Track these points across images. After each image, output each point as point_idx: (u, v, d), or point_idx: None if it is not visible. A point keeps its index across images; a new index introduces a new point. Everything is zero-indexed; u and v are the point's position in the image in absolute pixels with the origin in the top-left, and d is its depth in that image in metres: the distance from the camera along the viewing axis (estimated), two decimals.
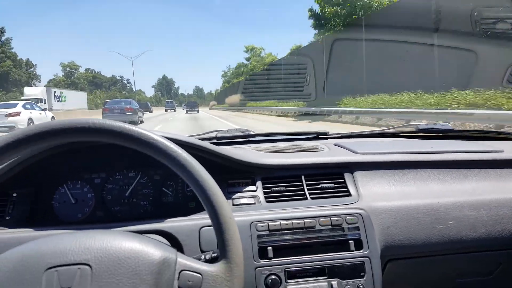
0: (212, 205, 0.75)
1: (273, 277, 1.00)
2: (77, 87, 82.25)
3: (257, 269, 1.00)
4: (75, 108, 48.01)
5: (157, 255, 0.70)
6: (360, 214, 1.10)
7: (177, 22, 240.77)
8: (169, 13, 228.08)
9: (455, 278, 1.24)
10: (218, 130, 1.68)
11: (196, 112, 43.36)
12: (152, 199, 1.24)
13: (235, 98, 44.20)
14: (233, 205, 1.14)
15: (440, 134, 1.74)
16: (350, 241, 1.06)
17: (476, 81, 11.12)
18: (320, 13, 20.73)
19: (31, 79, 67.65)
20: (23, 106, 17.62)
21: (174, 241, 0.99)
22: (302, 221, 1.06)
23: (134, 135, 0.75)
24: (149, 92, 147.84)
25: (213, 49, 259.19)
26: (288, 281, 1.01)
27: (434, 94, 12.63)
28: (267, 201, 1.16)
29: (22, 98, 37.40)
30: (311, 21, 21.52)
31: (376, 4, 19.12)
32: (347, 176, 1.24)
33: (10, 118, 16.23)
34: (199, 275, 0.71)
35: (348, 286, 1.02)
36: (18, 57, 66.17)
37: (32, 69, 71.88)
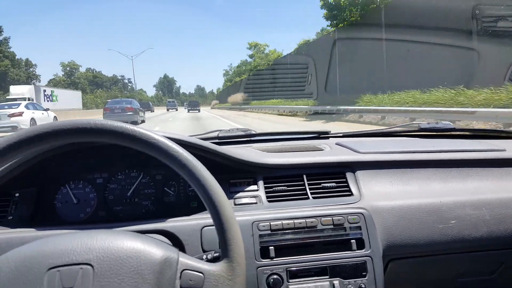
0: (214, 204, 0.75)
1: (275, 276, 1.00)
2: (78, 86, 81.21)
3: (259, 268, 1.00)
4: (68, 108, 44.09)
5: (159, 255, 0.70)
6: (362, 214, 1.10)
7: (178, 21, 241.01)
8: (170, 11, 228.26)
9: (457, 278, 1.24)
10: (220, 130, 1.68)
11: (197, 111, 44.58)
12: (154, 199, 1.24)
13: (238, 96, 43.15)
14: (235, 204, 1.14)
15: (442, 133, 1.74)
16: (352, 241, 1.06)
17: (477, 80, 11.08)
18: (334, 2, 19.20)
19: (31, 79, 66.52)
20: (26, 106, 17.69)
21: (176, 241, 0.99)
22: (304, 220, 1.06)
23: (135, 135, 0.75)
24: (151, 92, 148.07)
25: (215, 48, 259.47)
26: (290, 280, 1.01)
27: (481, 90, 10.67)
28: (268, 201, 1.16)
29: (7, 97, 35.27)
30: (323, 11, 20.23)
31: None
32: (349, 175, 1.24)
33: (12, 118, 16.28)
34: (201, 275, 0.71)
35: (350, 286, 1.02)
36: (17, 57, 65.27)
37: (31, 69, 71.08)
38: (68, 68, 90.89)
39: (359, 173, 1.25)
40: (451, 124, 1.77)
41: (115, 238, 0.71)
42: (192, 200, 1.24)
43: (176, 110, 58.41)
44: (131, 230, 0.88)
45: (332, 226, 1.07)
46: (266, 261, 1.01)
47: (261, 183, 1.20)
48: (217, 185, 0.77)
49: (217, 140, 1.58)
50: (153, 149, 0.76)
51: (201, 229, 1.01)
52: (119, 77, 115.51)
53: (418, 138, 1.75)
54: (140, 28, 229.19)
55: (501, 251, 1.20)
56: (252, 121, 20.37)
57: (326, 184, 1.21)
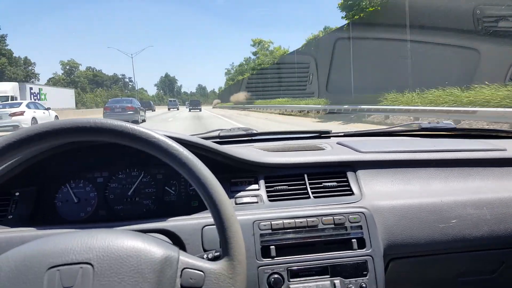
0: (214, 203, 0.75)
1: (276, 276, 1.00)
2: (77, 85, 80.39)
3: (259, 268, 1.00)
4: (59, 108, 38.70)
5: (159, 253, 0.70)
6: (363, 213, 1.10)
7: (179, 19, 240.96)
8: (171, 10, 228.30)
9: (458, 277, 1.24)
10: (221, 129, 1.68)
11: (199, 110, 45.46)
12: (154, 198, 1.24)
13: (241, 95, 41.84)
14: (236, 204, 1.14)
15: (443, 133, 1.74)
16: (353, 240, 1.06)
17: (478, 79, 11.05)
18: None
19: (29, 77, 65.54)
20: (27, 106, 17.72)
21: (176, 240, 0.99)
22: (305, 220, 1.06)
23: (135, 134, 0.75)
24: (152, 91, 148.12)
25: (216, 46, 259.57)
26: (291, 280, 1.01)
27: None
28: (270, 200, 1.16)
29: None
30: (327, 9, 19.05)
31: None
32: (350, 174, 1.24)
33: (14, 117, 16.31)
34: (202, 273, 0.71)
35: (351, 285, 1.02)
36: (16, 55, 64.47)
37: (30, 67, 70.46)
38: (67, 67, 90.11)
39: (360, 173, 1.25)
40: (452, 123, 1.77)
41: (115, 237, 0.71)
42: (193, 200, 1.24)
43: (178, 109, 58.40)
44: (132, 229, 0.88)
45: (333, 226, 1.07)
46: (267, 261, 1.01)
47: (262, 182, 1.20)
48: (218, 183, 0.77)
49: (218, 140, 1.58)
50: (153, 148, 0.76)
51: (202, 229, 1.01)
52: (120, 76, 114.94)
53: (419, 138, 1.75)
54: (141, 27, 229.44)
55: (502, 251, 1.20)
56: (257, 121, 19.29)
57: (327, 184, 1.21)
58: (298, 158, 1.25)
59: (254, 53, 52.98)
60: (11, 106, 17.51)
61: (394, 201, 1.16)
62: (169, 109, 59.18)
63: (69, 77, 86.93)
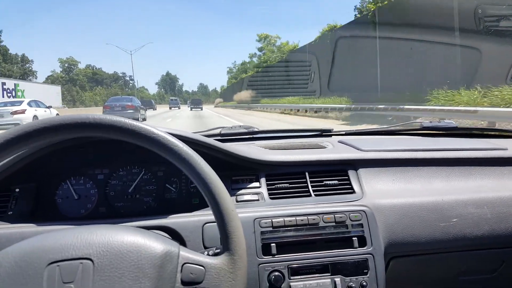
0: (214, 198, 0.75)
1: (276, 273, 1.00)
2: (76, 83, 79.57)
3: (260, 265, 1.00)
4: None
5: (159, 249, 0.70)
6: (364, 211, 1.10)
7: (181, 18, 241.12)
8: (172, 8, 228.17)
9: (458, 276, 1.24)
10: (222, 127, 1.68)
11: (200, 109, 46.19)
12: (155, 195, 1.24)
13: (245, 94, 39.93)
14: (237, 201, 1.14)
15: (444, 132, 1.74)
16: (353, 238, 1.06)
17: (479, 79, 11.02)
18: None
19: (27, 75, 64.89)
20: (28, 104, 17.77)
21: (177, 237, 0.99)
22: (306, 217, 1.06)
23: (135, 130, 0.75)
24: (153, 89, 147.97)
25: (218, 45, 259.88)
26: (291, 277, 1.01)
27: None
28: (271, 198, 1.16)
29: None
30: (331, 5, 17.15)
31: None
32: (351, 173, 1.24)
33: (15, 116, 16.36)
34: (202, 268, 0.71)
35: (352, 283, 1.02)
36: (13, 53, 63.68)
37: (28, 65, 69.55)
38: (66, 64, 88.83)
39: (361, 171, 1.25)
40: (454, 122, 1.77)
41: (115, 232, 0.71)
42: (193, 197, 1.24)
43: (179, 108, 58.38)
44: (132, 226, 0.88)
45: (334, 224, 1.07)
46: (267, 258, 1.01)
47: (263, 180, 1.20)
48: (218, 179, 0.77)
49: (219, 137, 1.58)
50: (153, 144, 0.76)
51: (203, 226, 1.01)
52: (120, 74, 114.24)
53: (421, 137, 1.74)
54: (142, 25, 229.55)
55: (502, 250, 1.20)
56: (270, 124, 17.10)
57: (328, 182, 1.21)
58: (299, 156, 1.25)
59: (260, 49, 49.81)
60: (13, 104, 17.57)
61: (395, 199, 1.15)
62: (170, 108, 59.21)
63: (67, 75, 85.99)
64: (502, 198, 1.18)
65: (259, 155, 1.21)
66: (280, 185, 1.19)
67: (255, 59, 52.78)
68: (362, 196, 1.17)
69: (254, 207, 1.11)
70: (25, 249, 0.68)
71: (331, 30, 24.08)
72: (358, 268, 1.04)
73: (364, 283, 1.02)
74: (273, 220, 1.05)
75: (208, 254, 0.79)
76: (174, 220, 1.02)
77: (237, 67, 69.19)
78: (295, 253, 1.03)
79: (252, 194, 1.16)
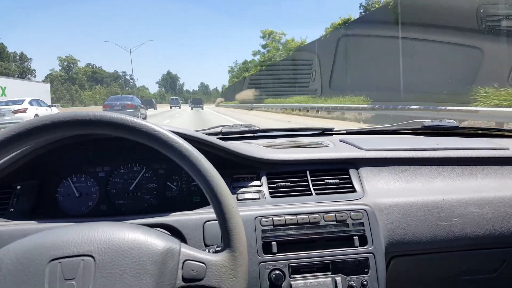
0: (215, 194, 0.75)
1: (277, 272, 1.00)
2: (75, 82, 78.93)
3: (261, 264, 1.00)
4: None
5: (160, 246, 0.70)
6: (365, 210, 1.10)
7: (182, 17, 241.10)
8: (173, 6, 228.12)
9: (459, 275, 1.24)
10: (223, 125, 1.68)
11: (201, 108, 46.65)
12: (156, 193, 1.24)
13: (248, 93, 37.65)
14: (238, 200, 1.15)
15: (446, 131, 1.74)
16: (354, 237, 1.06)
17: (481, 79, 10.97)
18: None
19: (25, 73, 64.58)
20: (30, 103, 17.81)
21: (178, 235, 0.99)
22: (307, 216, 1.06)
23: (135, 126, 0.75)
24: (153, 89, 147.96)
25: (219, 44, 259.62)
26: (292, 276, 1.01)
27: None
28: (271, 196, 1.16)
29: None
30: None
31: None
32: (352, 172, 1.24)
33: (17, 115, 16.39)
34: (203, 265, 0.71)
35: (352, 282, 1.02)
36: (11, 51, 63.60)
37: (26, 63, 69.22)
38: (65, 63, 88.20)
39: (362, 170, 1.25)
40: (455, 122, 1.76)
41: (117, 229, 0.71)
42: (194, 195, 1.24)
43: (180, 107, 58.39)
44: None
45: (334, 222, 1.07)
46: (268, 257, 1.01)
47: (264, 178, 1.20)
48: (219, 175, 0.77)
49: (220, 136, 1.58)
50: (154, 141, 0.76)
51: (204, 224, 1.01)
52: (121, 73, 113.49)
53: (422, 136, 1.74)
54: (143, 24, 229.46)
55: (504, 250, 1.20)
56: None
57: (329, 181, 1.20)
58: (300, 154, 1.25)
59: (264, 46, 47.17)
60: (14, 103, 17.59)
61: (396, 198, 1.15)
62: (171, 107, 59.26)
63: (67, 73, 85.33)
64: (503, 197, 1.18)
65: (260, 154, 1.21)
66: (281, 183, 1.19)
67: (257, 58, 51.32)
68: (363, 195, 1.17)
69: (255, 206, 1.11)
70: (26, 246, 0.68)
71: (344, 24, 22.10)
72: (358, 267, 1.04)
73: (365, 282, 1.02)
74: (274, 218, 1.05)
75: (209, 252, 0.79)
76: (175, 218, 1.02)
77: (238, 66, 67.83)
78: (295, 251, 1.03)
79: (253, 192, 1.16)
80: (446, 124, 1.73)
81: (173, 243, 0.72)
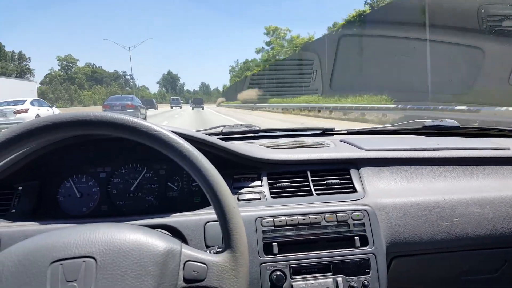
0: (216, 195, 0.75)
1: (278, 273, 1.00)
2: (74, 82, 78.10)
3: (262, 264, 1.00)
4: None
5: (161, 247, 0.71)
6: (366, 211, 1.10)
7: (182, 16, 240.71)
8: (174, 6, 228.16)
9: (460, 276, 1.24)
10: (224, 126, 1.68)
11: (201, 108, 46.82)
12: (157, 194, 1.24)
13: (250, 93, 35.99)
14: (239, 200, 1.15)
15: (447, 131, 1.74)
16: (355, 238, 1.06)
17: (482, 79, 10.94)
18: None
19: (24, 73, 63.86)
20: (31, 103, 17.87)
21: (179, 236, 0.99)
22: (308, 217, 1.06)
23: (136, 127, 0.75)
24: (154, 88, 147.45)
25: (220, 44, 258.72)
26: (293, 277, 1.01)
27: None
28: (272, 197, 1.16)
29: None
30: None
31: None
32: (353, 172, 1.24)
33: (18, 115, 16.43)
34: (204, 266, 0.71)
35: (353, 283, 1.02)
36: (9, 50, 62.79)
37: (25, 63, 68.60)
38: (65, 62, 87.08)
39: (363, 170, 1.25)
40: (456, 122, 1.76)
41: (118, 231, 0.71)
42: (195, 196, 1.24)
43: (180, 107, 58.32)
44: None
45: (335, 223, 1.07)
46: (269, 257, 1.01)
47: (265, 179, 1.20)
48: (219, 175, 0.77)
49: (221, 136, 1.59)
50: (154, 141, 0.76)
51: (205, 225, 1.02)
52: (121, 73, 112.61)
53: (423, 136, 1.74)
54: (143, 24, 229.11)
55: (505, 250, 1.20)
56: None
57: (330, 181, 1.20)
58: (301, 155, 1.25)
59: (268, 43, 45.29)
60: (15, 103, 17.63)
61: (397, 199, 1.15)
62: (171, 107, 59.19)
63: (66, 73, 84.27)
64: (504, 197, 1.18)
65: (261, 154, 1.21)
66: (282, 184, 1.19)
67: (259, 57, 49.69)
68: (364, 195, 1.17)
69: (256, 206, 1.11)
70: (28, 248, 0.68)
71: (359, 16, 19.96)
72: (360, 267, 1.04)
73: (366, 283, 1.02)
74: (274, 219, 1.05)
75: (210, 253, 0.80)
76: (176, 219, 1.02)
77: (239, 66, 66.71)
78: (296, 252, 1.03)
79: (254, 193, 1.16)
80: (447, 124, 1.73)
81: (174, 244, 0.73)
